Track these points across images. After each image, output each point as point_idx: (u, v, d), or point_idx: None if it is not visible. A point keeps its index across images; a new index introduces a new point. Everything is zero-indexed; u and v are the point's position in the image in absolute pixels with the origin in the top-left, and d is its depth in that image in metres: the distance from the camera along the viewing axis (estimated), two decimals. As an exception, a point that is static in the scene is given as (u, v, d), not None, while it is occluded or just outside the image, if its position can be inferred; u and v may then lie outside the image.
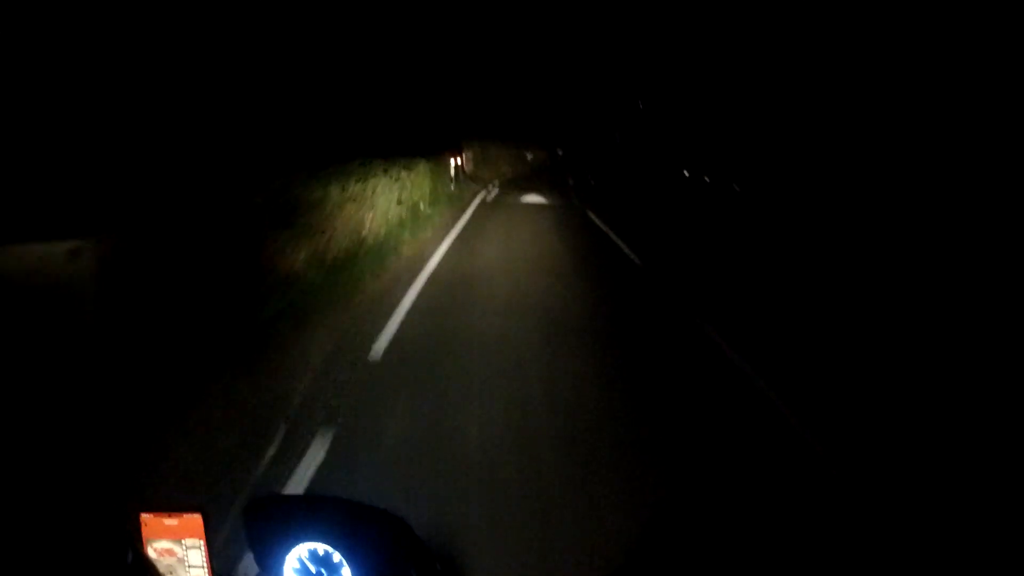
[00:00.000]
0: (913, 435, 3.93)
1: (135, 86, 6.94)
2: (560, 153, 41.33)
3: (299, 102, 11.68)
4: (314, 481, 3.22)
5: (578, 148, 41.09)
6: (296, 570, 1.07)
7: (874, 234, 10.51)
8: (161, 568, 1.01)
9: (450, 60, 26.43)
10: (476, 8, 26.65)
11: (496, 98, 33.15)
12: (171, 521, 1.01)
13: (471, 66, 28.21)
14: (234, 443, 3.54)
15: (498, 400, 4.22)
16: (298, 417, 3.92)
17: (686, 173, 24.31)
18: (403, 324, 5.77)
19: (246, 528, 1.08)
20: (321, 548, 1.05)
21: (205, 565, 1.03)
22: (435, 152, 17.75)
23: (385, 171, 10.91)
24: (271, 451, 3.52)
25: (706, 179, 21.87)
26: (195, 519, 1.01)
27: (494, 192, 20.23)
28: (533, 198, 18.02)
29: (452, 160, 19.47)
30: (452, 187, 19.20)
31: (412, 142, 15.90)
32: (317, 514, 1.11)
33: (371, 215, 9.77)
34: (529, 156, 35.87)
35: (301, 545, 1.06)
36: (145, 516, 1.01)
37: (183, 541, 1.01)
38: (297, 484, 3.18)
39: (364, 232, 9.44)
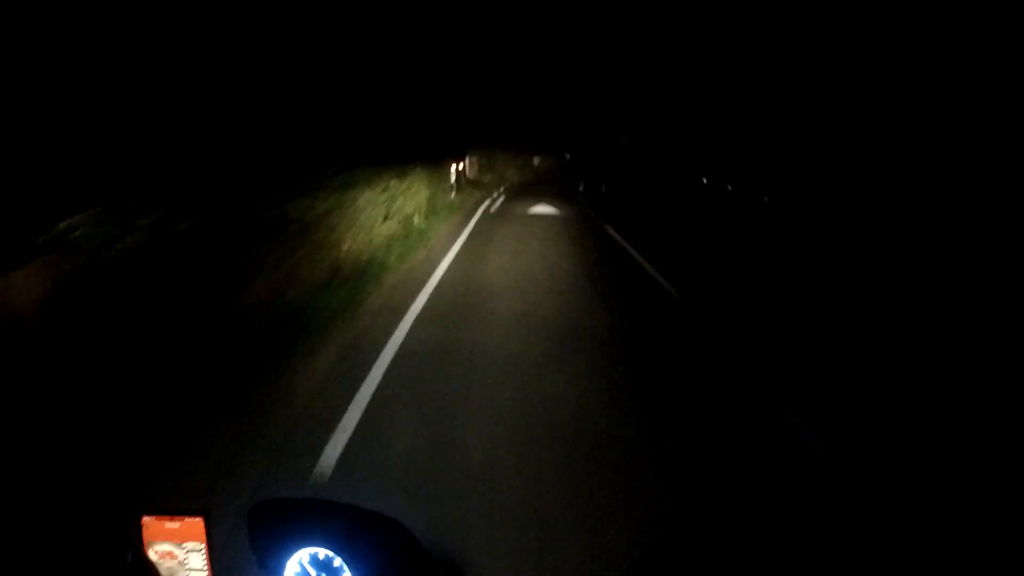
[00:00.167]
0: None
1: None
2: (567, 157, 39.80)
3: (276, 102, 10.07)
4: None
5: (585, 153, 39.51)
6: (297, 574, 1.06)
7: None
8: (162, 571, 0.99)
9: (452, 63, 24.89)
10: (479, 11, 25.07)
11: (501, 102, 31.58)
12: (173, 524, 1.00)
13: (475, 70, 26.64)
14: None
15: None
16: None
17: (704, 180, 22.62)
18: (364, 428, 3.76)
19: (249, 531, 1.07)
20: (323, 553, 1.05)
21: (206, 569, 1.01)
22: (435, 158, 16.12)
23: (370, 182, 9.26)
24: None
25: (728, 187, 20.18)
26: (197, 522, 1.00)
27: (499, 201, 18.58)
28: (542, 208, 16.33)
29: (453, 166, 17.84)
30: (453, 196, 17.56)
31: (409, 148, 14.27)
32: (319, 519, 1.10)
33: (350, 238, 8.13)
34: (536, 161, 34.27)
35: (303, 549, 1.06)
36: (147, 519, 1.01)
37: (184, 544, 1.01)
38: None
39: (342, 256, 7.81)
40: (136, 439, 3.36)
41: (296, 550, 1.06)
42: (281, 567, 1.07)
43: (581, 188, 23.31)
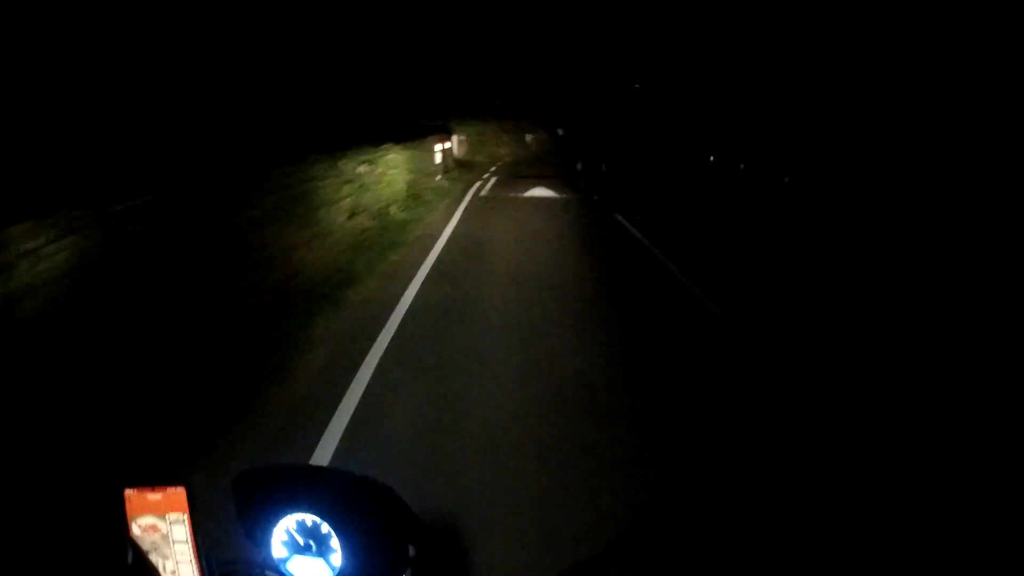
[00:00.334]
0: None
1: None
2: (561, 133, 37.90)
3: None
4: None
5: (580, 128, 37.63)
6: (284, 542, 1.03)
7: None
8: (145, 546, 0.95)
9: (436, 33, 22.92)
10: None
11: (491, 76, 29.62)
12: (155, 496, 0.95)
13: (459, 38, 24.63)
14: None
15: None
16: None
17: (712, 159, 20.93)
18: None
19: (234, 500, 1.05)
20: (310, 519, 1.02)
21: (189, 540, 0.95)
22: (416, 138, 14.34)
23: (329, 173, 7.53)
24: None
25: (741, 166, 18.50)
26: (179, 492, 0.94)
27: (490, 182, 16.80)
28: (539, 191, 14.58)
29: (439, 145, 16.03)
30: (439, 178, 15.81)
31: (382, 128, 12.48)
32: (306, 485, 1.07)
33: (303, 247, 6.44)
34: (528, 137, 32.41)
35: (289, 516, 1.02)
36: (129, 492, 0.95)
37: (167, 516, 0.95)
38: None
39: (292, 270, 6.13)
40: None
41: (282, 517, 1.03)
42: (268, 535, 1.04)
43: (579, 167, 21.55)
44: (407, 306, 5.59)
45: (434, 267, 7.04)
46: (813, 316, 5.72)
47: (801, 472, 3.12)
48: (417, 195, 12.12)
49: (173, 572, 0.96)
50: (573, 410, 3.70)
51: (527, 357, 4.49)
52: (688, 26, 28.75)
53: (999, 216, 9.18)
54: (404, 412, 3.64)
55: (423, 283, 6.38)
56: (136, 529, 0.95)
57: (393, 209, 10.18)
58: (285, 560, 1.02)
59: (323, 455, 3.15)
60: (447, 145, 18.27)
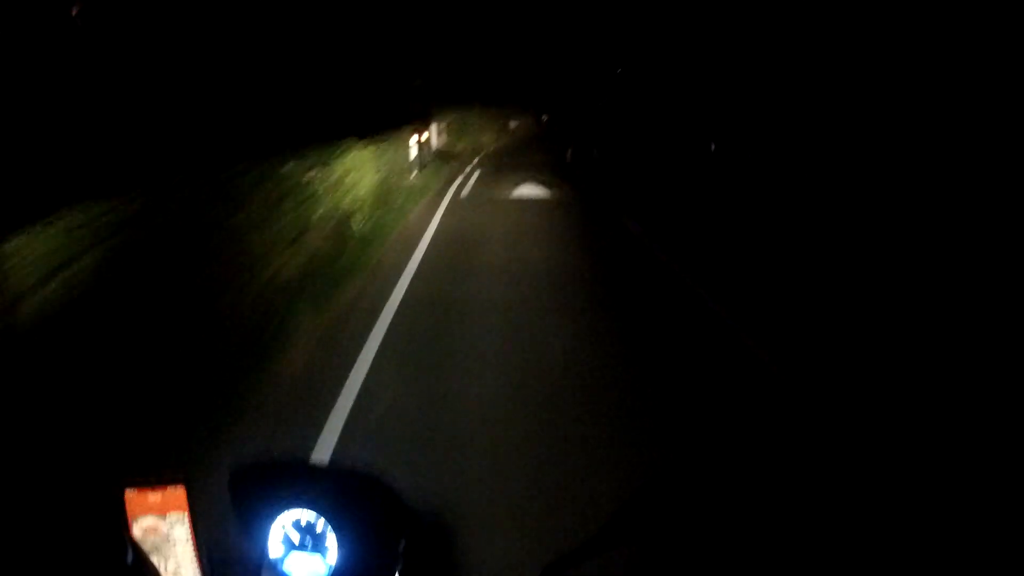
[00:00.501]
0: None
1: None
2: (545, 119, 36.02)
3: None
4: None
5: (564, 114, 35.79)
6: (282, 539, 1.04)
7: None
8: (146, 547, 0.95)
9: (413, 19, 20.93)
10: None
11: (470, 58, 27.59)
12: (155, 496, 0.95)
13: (440, 27, 22.62)
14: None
15: None
16: None
17: (713, 147, 19.19)
18: None
19: (231, 497, 1.07)
20: (306, 515, 1.02)
21: (190, 539, 0.96)
22: (387, 128, 12.45)
23: (258, 188, 5.69)
24: None
25: (748, 157, 16.77)
26: (178, 491, 0.95)
27: (473, 178, 14.94)
28: (529, 189, 12.71)
29: (414, 137, 14.12)
30: (415, 175, 13.95)
31: (343, 120, 10.58)
32: (302, 481, 1.10)
33: (233, 290, 4.61)
34: (512, 124, 30.51)
35: (286, 513, 1.03)
36: (129, 493, 0.96)
37: (167, 516, 0.96)
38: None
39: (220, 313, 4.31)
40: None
41: (279, 513, 1.03)
42: (265, 532, 1.04)
43: (569, 156, 19.74)
44: (347, 412, 3.61)
45: (394, 325, 5.15)
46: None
47: (792, 468, 2.95)
48: (386, 199, 10.28)
49: (175, 572, 0.95)
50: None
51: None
52: (667, 10, 26.96)
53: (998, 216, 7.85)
54: None
55: (379, 356, 4.47)
56: (137, 531, 0.95)
57: (355, 222, 8.35)
58: (282, 558, 1.02)
59: None
60: (424, 136, 16.36)
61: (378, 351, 4.48)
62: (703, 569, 2.28)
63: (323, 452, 3.17)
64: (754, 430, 3.36)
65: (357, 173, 9.33)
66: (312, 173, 6.92)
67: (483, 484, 2.89)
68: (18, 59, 5.25)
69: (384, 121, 12.53)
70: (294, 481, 1.07)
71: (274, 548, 1.02)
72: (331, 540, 1.00)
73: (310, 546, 1.01)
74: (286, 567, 1.01)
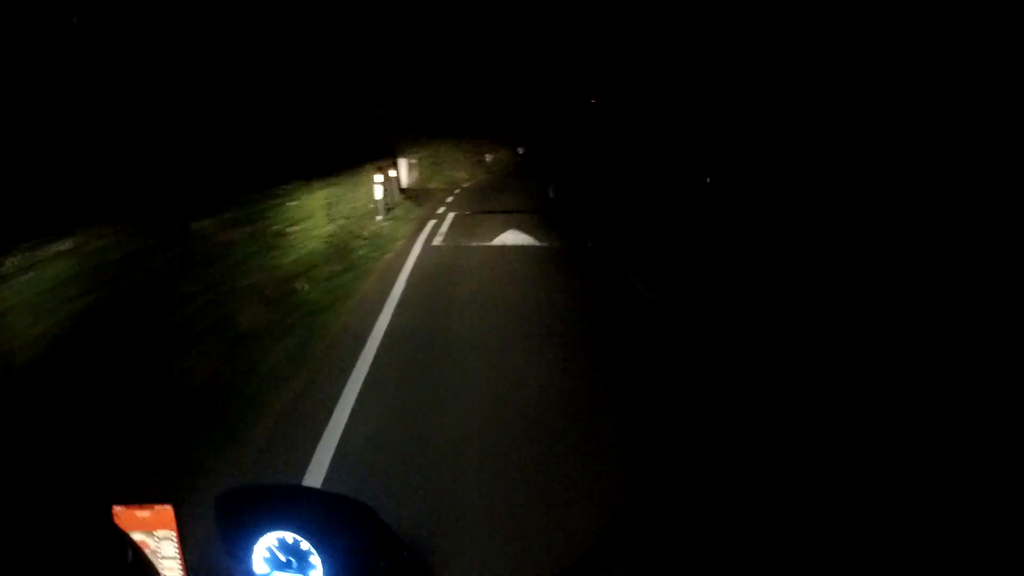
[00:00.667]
0: None
1: None
2: (521, 152, 34.72)
3: None
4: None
5: (540, 146, 34.60)
6: (266, 559, 1.04)
7: None
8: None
9: (383, 51, 19.48)
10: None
11: (441, 86, 26.19)
12: (143, 513, 0.96)
13: (404, 42, 21.16)
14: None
15: None
16: None
17: (708, 180, 17.86)
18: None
19: (216, 518, 1.07)
20: (290, 537, 1.02)
21: (178, 556, 0.97)
22: (348, 164, 10.71)
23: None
24: None
25: (755, 188, 15.43)
26: (166, 510, 0.96)
27: (447, 220, 13.16)
28: (513, 236, 10.92)
29: (378, 176, 12.34)
30: (380, 219, 12.17)
31: (289, 160, 8.81)
32: (286, 503, 1.10)
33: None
34: (488, 158, 28.95)
35: (270, 534, 1.03)
36: (117, 509, 0.97)
37: (155, 533, 0.96)
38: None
39: None
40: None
41: (263, 534, 1.03)
42: (249, 553, 1.04)
43: (552, 194, 18.19)
44: None
45: (337, 465, 3.37)
46: None
47: (789, 468, 2.97)
48: (344, 253, 8.47)
49: None
50: None
51: None
52: (641, 40, 26.08)
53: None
54: None
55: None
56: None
57: (299, 286, 6.51)
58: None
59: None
60: (392, 173, 14.63)
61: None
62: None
63: None
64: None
65: (307, 223, 7.54)
66: (231, 234, 5.10)
67: None
68: None
69: (342, 158, 10.77)
70: (279, 503, 1.07)
71: (258, 567, 1.03)
72: (315, 561, 1.01)
73: (294, 566, 1.02)
74: None
